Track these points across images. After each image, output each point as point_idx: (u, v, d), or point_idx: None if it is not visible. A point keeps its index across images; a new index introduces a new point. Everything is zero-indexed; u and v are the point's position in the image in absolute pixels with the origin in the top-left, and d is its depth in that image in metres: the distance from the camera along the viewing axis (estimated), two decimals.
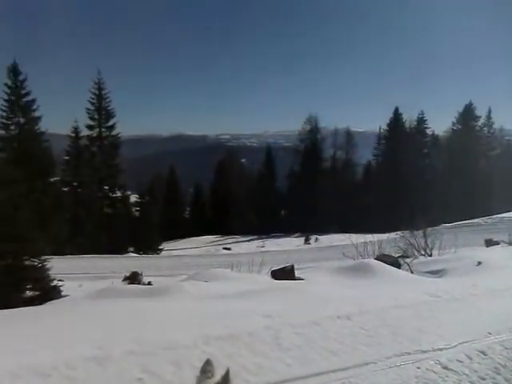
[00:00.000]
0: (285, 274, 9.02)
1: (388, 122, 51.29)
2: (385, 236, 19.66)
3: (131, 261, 21.13)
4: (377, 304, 5.64)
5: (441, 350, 4.55)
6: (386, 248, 13.74)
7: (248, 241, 39.81)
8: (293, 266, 9.47)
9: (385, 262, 8.96)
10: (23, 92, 28.08)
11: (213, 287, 6.82)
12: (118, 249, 28.70)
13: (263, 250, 26.97)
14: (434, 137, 50.86)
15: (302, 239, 34.88)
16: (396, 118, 50.81)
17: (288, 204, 53.29)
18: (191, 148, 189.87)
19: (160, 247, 33.71)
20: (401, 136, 49.54)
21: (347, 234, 26.68)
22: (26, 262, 8.33)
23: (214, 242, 40.51)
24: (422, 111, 51.39)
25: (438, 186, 44.15)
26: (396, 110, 51.17)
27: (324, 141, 53.66)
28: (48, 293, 8.55)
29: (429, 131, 50.50)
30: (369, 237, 14.83)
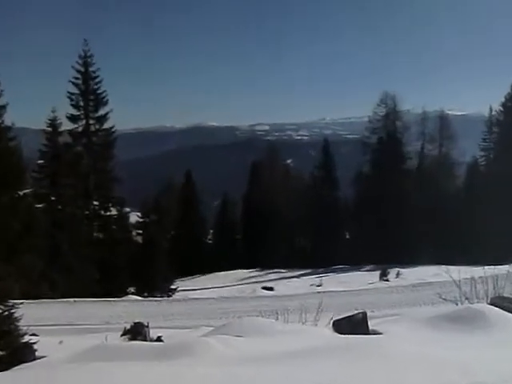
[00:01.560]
0: (353, 325, 8.90)
1: (503, 100, 50.12)
2: (503, 269, 19.15)
3: (132, 307, 21.47)
4: (498, 373, 5.42)
5: None
6: (505, 287, 13.32)
7: (297, 276, 39.75)
8: (365, 314, 9.34)
9: (505, 309, 8.67)
10: None
11: (250, 345, 6.80)
12: (113, 289, 29.26)
13: (320, 289, 26.84)
14: None
15: (377, 274, 34.47)
16: None
17: (355, 222, 52.82)
18: (215, 145, 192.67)
19: (172, 286, 34.12)
20: None
21: (444, 266, 26.17)
22: None
23: (248, 278, 40.73)
24: None
25: None
26: None
27: (407, 130, 53.19)
28: (17, 353, 8.75)
29: None
30: (478, 270, 14.44)
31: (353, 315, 9.42)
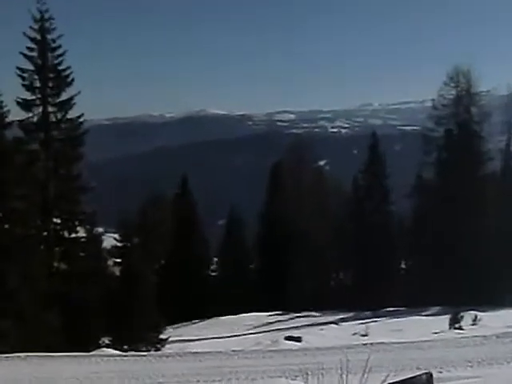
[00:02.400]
0: None
1: None
2: None
3: (108, 364, 21.42)
4: None
5: None
6: None
7: (335, 323, 39.60)
8: (430, 376, 9.29)
9: None
10: None
11: None
12: (81, 340, 29.26)
13: (367, 340, 26.70)
14: None
15: (446, 319, 34.33)
16: None
17: (414, 247, 52.59)
18: (220, 140, 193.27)
19: (163, 336, 34.11)
20: None
21: None
22: None
23: (267, 324, 40.82)
24: None
25: None
26: None
27: (487, 119, 52.84)
28: None
29: None
30: None
31: (413, 377, 9.35)
